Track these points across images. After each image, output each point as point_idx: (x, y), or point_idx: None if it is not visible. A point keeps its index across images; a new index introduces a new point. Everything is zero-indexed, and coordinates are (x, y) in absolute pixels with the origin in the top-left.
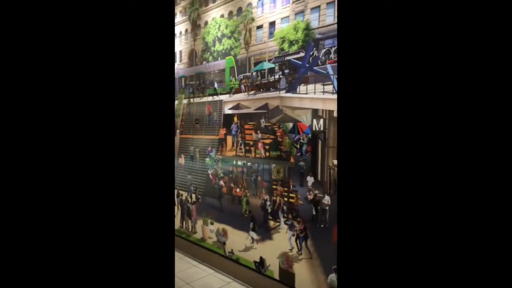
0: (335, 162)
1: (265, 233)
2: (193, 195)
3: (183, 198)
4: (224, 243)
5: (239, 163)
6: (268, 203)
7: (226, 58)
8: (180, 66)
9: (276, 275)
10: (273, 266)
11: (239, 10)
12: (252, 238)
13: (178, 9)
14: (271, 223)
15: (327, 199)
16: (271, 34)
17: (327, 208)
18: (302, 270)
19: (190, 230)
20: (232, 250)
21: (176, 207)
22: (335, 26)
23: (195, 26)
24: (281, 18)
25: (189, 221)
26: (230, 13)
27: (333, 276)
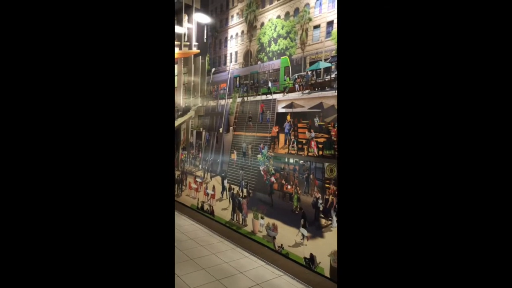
0: None
1: (316, 231)
2: (244, 190)
3: (235, 192)
4: (274, 238)
5: (291, 160)
6: (320, 201)
7: (281, 58)
8: (235, 66)
9: (327, 273)
10: (324, 264)
11: (296, 10)
12: (303, 235)
13: (235, 11)
14: (323, 221)
15: None
16: (328, 33)
17: None
18: None
19: (240, 222)
20: (281, 244)
21: (227, 200)
22: None
23: (251, 27)
24: None
25: (240, 214)
26: (287, 14)
27: None
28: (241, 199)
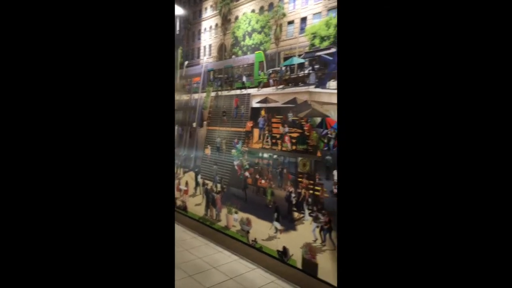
0: None
1: (289, 224)
2: (218, 185)
3: (208, 187)
4: (247, 232)
5: (265, 155)
6: (293, 195)
7: (256, 52)
8: (209, 60)
9: (299, 265)
10: (296, 256)
11: (271, 5)
12: (276, 228)
13: (208, 4)
14: (296, 214)
15: None
16: (302, 29)
17: None
18: (325, 261)
19: (214, 218)
20: (255, 238)
21: (201, 196)
22: None
23: (226, 20)
24: (313, 14)
25: (214, 210)
26: (261, 8)
27: None
28: (215, 194)
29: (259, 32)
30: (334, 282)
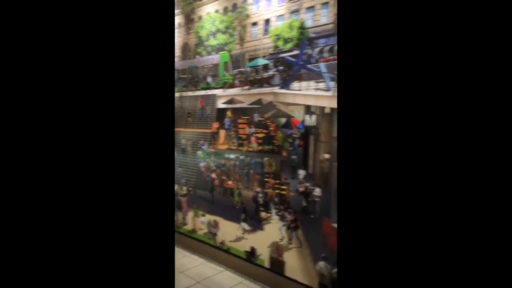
0: (327, 156)
1: (256, 224)
2: (184, 188)
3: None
4: (215, 234)
5: (232, 156)
6: (260, 195)
7: (220, 53)
8: None
9: (267, 264)
10: (264, 256)
11: (234, 6)
12: (243, 229)
13: None
14: (263, 214)
15: (318, 191)
16: (266, 31)
17: (317, 199)
18: (292, 259)
19: (180, 222)
20: (223, 240)
21: None
22: (329, 26)
23: (189, 20)
24: (277, 16)
25: (180, 213)
26: (225, 9)
27: (321, 263)
28: (181, 197)
29: (224, 33)
30: (300, 279)
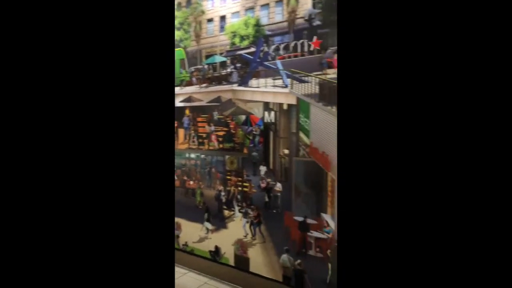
0: (286, 151)
1: (220, 223)
2: None
3: None
4: (177, 236)
5: (192, 155)
6: (222, 193)
7: (176, 49)
8: None
9: (232, 262)
10: (228, 254)
11: (188, 1)
12: (207, 229)
13: None
14: (226, 212)
15: (279, 186)
16: (222, 28)
17: (279, 194)
18: (256, 254)
19: None
20: (186, 242)
21: None
22: (284, 24)
23: None
24: (232, 13)
25: None
26: (179, 4)
27: (284, 257)
28: None
29: (178, 29)
30: (265, 273)
